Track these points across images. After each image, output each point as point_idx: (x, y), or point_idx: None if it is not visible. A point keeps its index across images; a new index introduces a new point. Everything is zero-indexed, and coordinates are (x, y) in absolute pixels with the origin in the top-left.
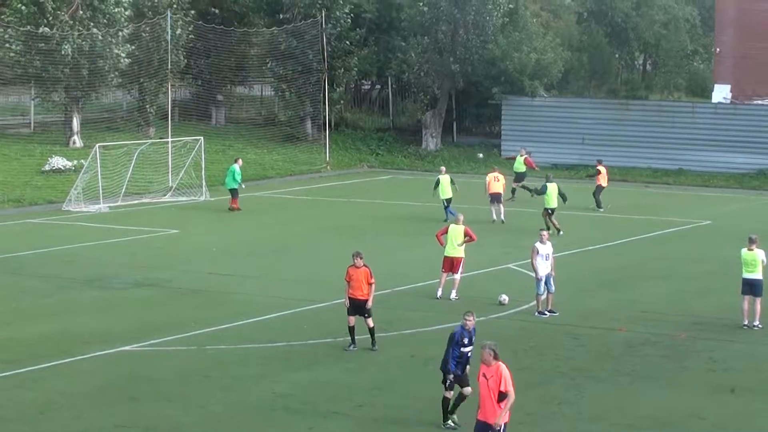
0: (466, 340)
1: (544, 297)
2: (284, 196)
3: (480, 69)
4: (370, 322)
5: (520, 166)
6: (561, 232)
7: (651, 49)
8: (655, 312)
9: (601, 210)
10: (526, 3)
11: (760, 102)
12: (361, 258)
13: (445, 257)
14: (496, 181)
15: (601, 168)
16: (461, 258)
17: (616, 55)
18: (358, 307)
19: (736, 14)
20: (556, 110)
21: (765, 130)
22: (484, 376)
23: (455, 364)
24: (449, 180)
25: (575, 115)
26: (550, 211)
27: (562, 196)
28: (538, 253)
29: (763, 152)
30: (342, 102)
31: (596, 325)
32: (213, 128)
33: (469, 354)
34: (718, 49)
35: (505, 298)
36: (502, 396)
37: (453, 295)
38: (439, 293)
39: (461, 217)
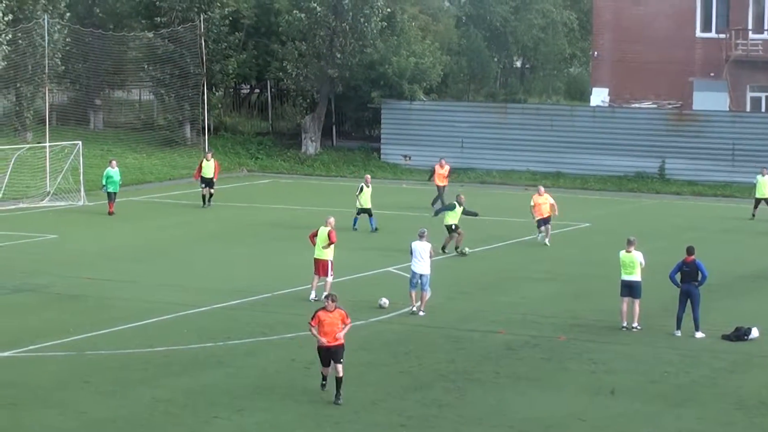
0: None
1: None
2: (163, 201)
3: (359, 73)
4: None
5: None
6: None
7: (529, 52)
8: (534, 314)
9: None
10: (404, 7)
11: (637, 105)
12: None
13: (314, 259)
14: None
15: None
16: (327, 260)
17: (495, 59)
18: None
19: (613, 17)
20: (436, 114)
21: (642, 132)
22: None
23: None
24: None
25: (454, 118)
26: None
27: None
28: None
29: (641, 155)
30: (221, 106)
31: (476, 328)
32: (91, 133)
33: None
34: (595, 53)
35: (385, 301)
36: None
37: None
38: (312, 296)
39: (332, 220)
